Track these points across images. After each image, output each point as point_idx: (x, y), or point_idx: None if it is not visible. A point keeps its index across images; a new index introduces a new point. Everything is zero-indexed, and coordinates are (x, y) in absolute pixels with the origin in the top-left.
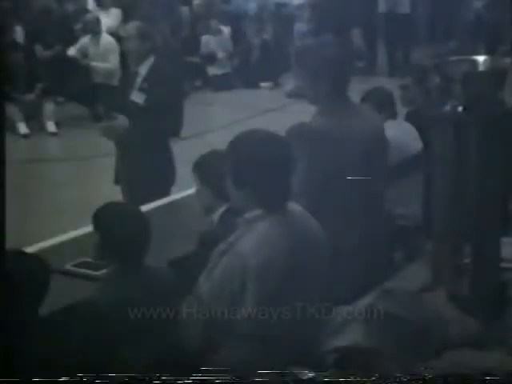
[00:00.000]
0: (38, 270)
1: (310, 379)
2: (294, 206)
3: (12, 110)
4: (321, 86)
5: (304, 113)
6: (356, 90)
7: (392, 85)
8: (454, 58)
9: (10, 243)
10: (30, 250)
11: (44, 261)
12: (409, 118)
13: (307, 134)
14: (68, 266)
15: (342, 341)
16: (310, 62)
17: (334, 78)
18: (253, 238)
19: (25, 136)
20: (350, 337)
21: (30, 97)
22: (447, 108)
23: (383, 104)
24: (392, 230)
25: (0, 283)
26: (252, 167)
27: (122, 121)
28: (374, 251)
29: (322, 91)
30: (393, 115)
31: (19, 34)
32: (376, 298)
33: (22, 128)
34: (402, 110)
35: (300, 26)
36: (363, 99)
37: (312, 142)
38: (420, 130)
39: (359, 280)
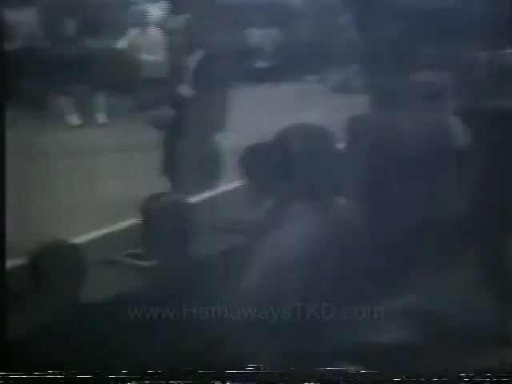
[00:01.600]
0: (73, 260)
1: (352, 375)
2: (341, 200)
3: (64, 102)
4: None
5: (349, 107)
6: (404, 83)
7: (441, 78)
8: (509, 50)
9: (62, 233)
10: (79, 240)
11: (79, 252)
12: (457, 112)
13: (362, 127)
14: (118, 257)
15: (384, 338)
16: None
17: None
18: (299, 231)
19: (76, 127)
20: (393, 334)
21: (81, 88)
22: (498, 102)
23: (432, 97)
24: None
25: (36, 272)
26: (299, 160)
27: (168, 110)
28: (419, 248)
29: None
30: (442, 109)
31: (71, 26)
32: (419, 295)
33: (74, 119)
34: (450, 104)
35: (345, 18)
36: (411, 92)
37: (367, 135)
38: (469, 124)
39: (401, 277)
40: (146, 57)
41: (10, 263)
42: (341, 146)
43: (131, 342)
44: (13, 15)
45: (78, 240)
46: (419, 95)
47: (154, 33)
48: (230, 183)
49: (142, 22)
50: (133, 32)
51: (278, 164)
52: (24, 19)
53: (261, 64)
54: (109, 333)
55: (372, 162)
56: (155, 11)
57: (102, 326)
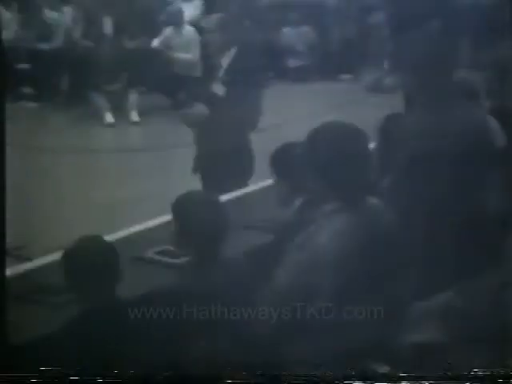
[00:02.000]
0: (108, 256)
1: (385, 374)
2: (373, 200)
3: (99, 100)
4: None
5: (383, 106)
6: (439, 83)
7: (476, 77)
8: None
9: (93, 230)
10: (111, 237)
11: (114, 248)
12: (493, 111)
13: (395, 127)
14: (150, 254)
15: (418, 337)
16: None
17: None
18: (330, 231)
19: (110, 125)
20: (426, 333)
21: (116, 87)
22: None
23: (466, 96)
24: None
25: (72, 267)
26: (330, 159)
27: (201, 109)
28: (453, 248)
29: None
30: (480, 109)
31: (107, 25)
32: (453, 295)
33: (109, 117)
34: (485, 104)
35: (379, 17)
36: (447, 91)
37: (401, 134)
38: (504, 124)
39: (434, 276)
40: (179, 55)
41: (42, 261)
42: (373, 145)
43: (165, 341)
44: (51, 15)
45: (111, 237)
46: (455, 95)
47: (189, 31)
48: (262, 182)
49: (176, 21)
50: (167, 31)
51: (309, 163)
52: (62, 19)
53: (294, 63)
54: (141, 332)
55: (405, 161)
56: (189, 10)
57: (134, 324)
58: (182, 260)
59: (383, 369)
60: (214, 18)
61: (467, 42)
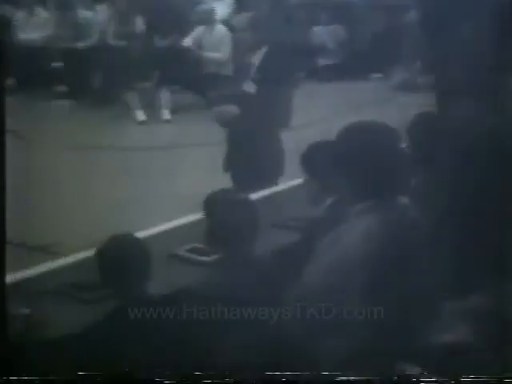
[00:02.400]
0: (139, 253)
1: (417, 375)
2: (404, 200)
3: (131, 98)
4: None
5: (414, 105)
6: (468, 82)
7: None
8: None
9: (124, 227)
10: (143, 234)
11: (145, 245)
12: None
13: (426, 126)
14: (180, 251)
15: (450, 338)
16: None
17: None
18: (360, 231)
19: (141, 123)
20: (459, 334)
21: (148, 85)
22: None
23: (499, 96)
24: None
25: (104, 264)
26: (361, 158)
27: (232, 107)
28: (488, 249)
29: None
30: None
31: (139, 23)
32: (484, 297)
33: (140, 115)
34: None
35: (411, 16)
36: (475, 91)
37: (431, 133)
38: None
39: (464, 278)
40: (211, 54)
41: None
42: (404, 144)
43: (196, 339)
44: (85, 14)
45: (143, 234)
46: (483, 94)
47: (220, 30)
48: (292, 180)
49: (207, 20)
50: (199, 30)
51: (339, 162)
52: (96, 18)
53: (324, 61)
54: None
55: (435, 161)
56: (221, 9)
57: (166, 321)
58: (212, 258)
59: (415, 370)
60: (246, 16)
61: (497, 41)
